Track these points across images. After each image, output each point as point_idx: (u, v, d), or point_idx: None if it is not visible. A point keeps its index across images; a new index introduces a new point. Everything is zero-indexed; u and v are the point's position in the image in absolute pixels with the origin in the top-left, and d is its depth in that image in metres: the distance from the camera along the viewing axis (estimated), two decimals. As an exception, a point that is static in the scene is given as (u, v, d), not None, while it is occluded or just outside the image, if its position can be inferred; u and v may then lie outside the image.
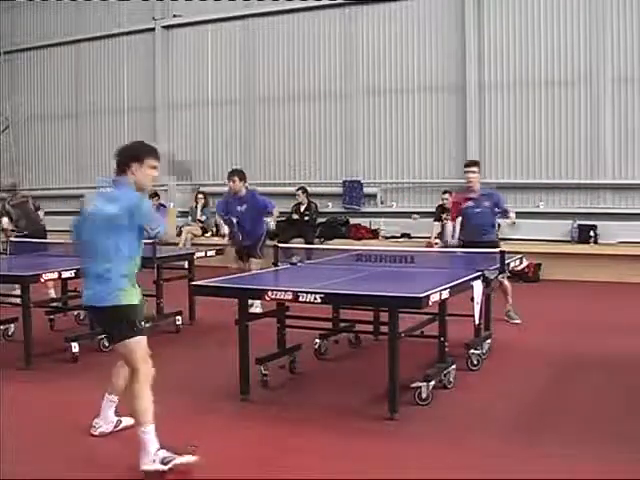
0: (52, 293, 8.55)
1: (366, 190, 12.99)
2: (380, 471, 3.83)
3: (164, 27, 14.73)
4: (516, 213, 8.27)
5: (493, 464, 3.90)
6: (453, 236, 9.95)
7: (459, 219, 8.01)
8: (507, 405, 5.03)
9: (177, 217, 14.37)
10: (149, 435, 3.79)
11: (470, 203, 7.93)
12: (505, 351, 6.52)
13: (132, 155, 4.02)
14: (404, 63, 12.73)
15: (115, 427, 4.38)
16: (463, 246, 7.89)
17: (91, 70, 15.73)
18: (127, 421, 4.37)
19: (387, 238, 12.49)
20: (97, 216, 3.95)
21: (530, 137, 11.81)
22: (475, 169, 7.99)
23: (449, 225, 8.31)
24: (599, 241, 11.14)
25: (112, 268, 3.86)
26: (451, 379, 5.34)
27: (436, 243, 11.59)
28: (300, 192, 12.90)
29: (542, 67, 11.71)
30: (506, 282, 7.71)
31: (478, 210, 7.87)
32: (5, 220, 9.36)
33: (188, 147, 14.74)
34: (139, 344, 3.91)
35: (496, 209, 7.96)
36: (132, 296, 3.91)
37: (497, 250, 6.32)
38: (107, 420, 4.37)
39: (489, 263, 5.98)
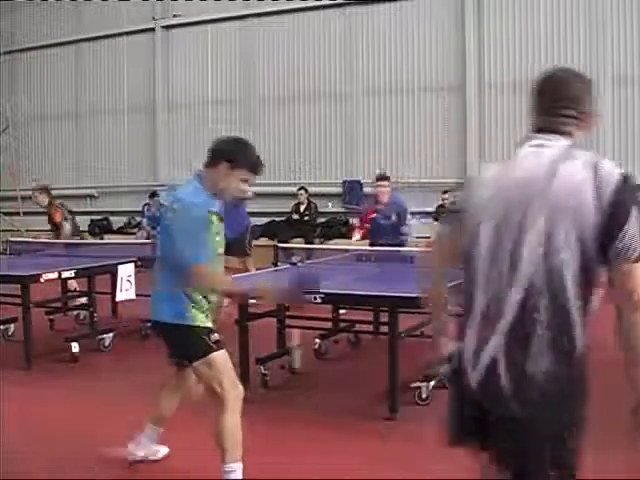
0: None
1: (366, 190, 12.98)
2: (380, 471, 3.83)
3: (164, 27, 14.74)
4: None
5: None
6: None
7: None
8: (507, 405, 5.02)
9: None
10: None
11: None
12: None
13: (226, 153, 3.42)
14: (404, 63, 12.73)
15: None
16: None
17: (91, 70, 15.74)
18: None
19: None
20: None
21: (530, 137, 11.80)
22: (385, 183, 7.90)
23: None
24: (599, 241, 11.13)
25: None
26: (451, 379, 5.33)
27: (436, 243, 11.59)
28: (302, 192, 12.91)
29: (542, 67, 11.58)
30: None
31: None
32: (67, 227, 8.59)
33: (188, 147, 14.74)
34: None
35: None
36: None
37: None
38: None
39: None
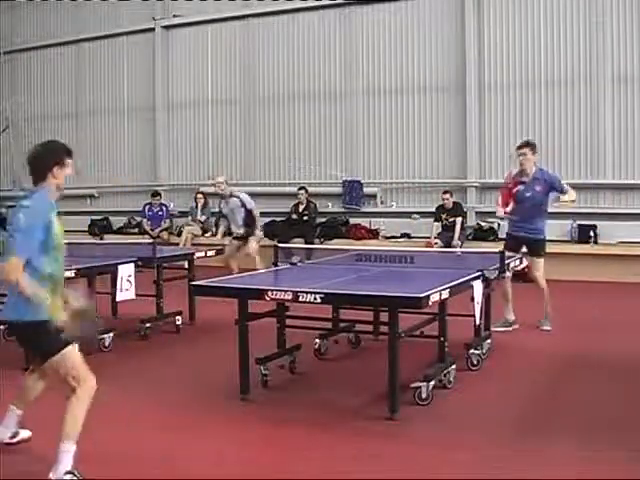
0: None
1: (366, 190, 12.99)
2: (380, 471, 3.83)
3: (164, 27, 14.72)
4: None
5: (493, 464, 3.90)
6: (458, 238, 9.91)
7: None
8: (507, 405, 5.03)
9: (177, 217, 14.44)
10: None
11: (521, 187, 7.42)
12: (505, 351, 6.52)
13: (55, 158, 3.79)
14: (404, 63, 12.73)
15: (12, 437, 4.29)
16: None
17: (91, 70, 15.73)
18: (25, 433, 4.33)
19: (387, 238, 12.49)
20: None
21: (530, 137, 11.77)
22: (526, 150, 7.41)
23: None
24: (599, 241, 11.14)
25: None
26: (451, 379, 5.34)
27: (436, 243, 11.61)
28: (302, 192, 12.91)
29: (542, 67, 11.71)
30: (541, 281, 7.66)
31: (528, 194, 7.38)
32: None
33: (188, 147, 14.76)
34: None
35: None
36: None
37: (497, 250, 6.32)
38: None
39: (489, 263, 5.98)
